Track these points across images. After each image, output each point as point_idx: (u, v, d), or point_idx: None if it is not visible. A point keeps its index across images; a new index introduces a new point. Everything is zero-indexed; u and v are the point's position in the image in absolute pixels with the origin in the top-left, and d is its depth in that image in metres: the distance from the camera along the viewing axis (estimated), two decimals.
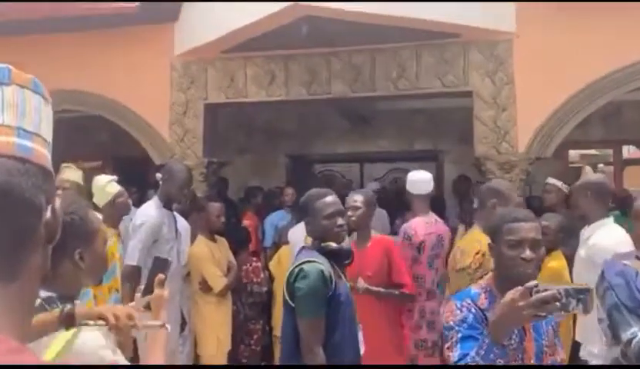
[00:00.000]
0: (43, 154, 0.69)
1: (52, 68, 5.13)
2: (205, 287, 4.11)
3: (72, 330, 1.42)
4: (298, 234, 4.28)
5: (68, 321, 1.43)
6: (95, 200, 3.73)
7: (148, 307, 1.64)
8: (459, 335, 1.76)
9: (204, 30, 4.81)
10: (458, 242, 2.92)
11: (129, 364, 1.55)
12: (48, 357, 1.34)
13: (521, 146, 4.56)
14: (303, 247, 2.62)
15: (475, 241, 2.77)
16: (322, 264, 2.38)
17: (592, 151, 7.81)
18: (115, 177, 3.85)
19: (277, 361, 4.57)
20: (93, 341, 1.45)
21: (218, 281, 4.11)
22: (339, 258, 2.53)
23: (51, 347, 1.38)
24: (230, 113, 5.95)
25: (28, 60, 5.02)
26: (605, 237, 2.83)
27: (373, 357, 2.83)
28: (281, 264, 4.54)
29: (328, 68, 4.97)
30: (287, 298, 2.41)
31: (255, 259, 4.72)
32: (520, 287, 1.54)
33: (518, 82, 4.56)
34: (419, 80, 4.80)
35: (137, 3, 4.76)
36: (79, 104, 5.43)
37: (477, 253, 2.71)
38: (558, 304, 1.52)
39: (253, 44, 4.80)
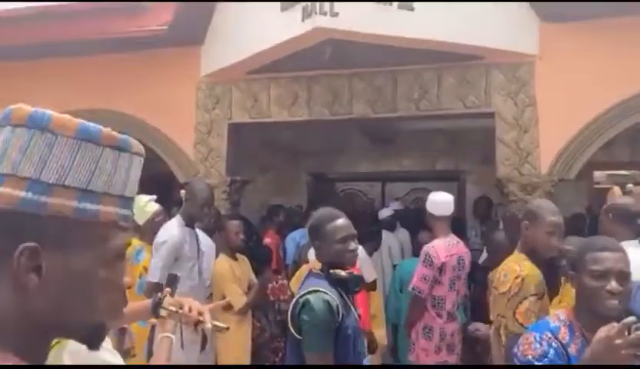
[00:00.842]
0: (12, 195, 0.67)
1: (82, 89, 5.32)
2: (226, 305, 4.15)
3: None
4: None
5: (158, 308, 1.55)
6: (135, 218, 3.90)
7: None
8: None
9: (229, 52, 4.93)
10: (503, 264, 2.82)
11: (127, 365, 1.60)
12: None
13: (543, 167, 4.54)
14: (310, 272, 2.46)
15: (515, 264, 2.67)
16: (329, 294, 2.24)
17: (620, 171, 7.69)
18: (154, 197, 4.01)
19: None
20: None
21: (239, 299, 4.15)
22: (348, 286, 2.37)
23: None
24: (253, 132, 6.04)
25: (58, 81, 5.25)
26: None
27: None
28: (301, 281, 4.56)
29: (350, 89, 5.03)
30: (292, 330, 2.28)
31: (280, 277, 4.76)
32: (616, 324, 1.40)
33: (540, 104, 4.55)
34: (441, 101, 4.83)
35: (165, 27, 4.90)
36: (107, 124, 5.55)
37: (516, 277, 2.58)
38: None
39: (277, 65, 4.90)
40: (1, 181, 0.68)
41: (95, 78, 5.43)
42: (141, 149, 0.79)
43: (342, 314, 2.24)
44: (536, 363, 1.64)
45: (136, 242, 3.90)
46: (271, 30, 4.44)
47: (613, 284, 1.65)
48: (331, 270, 2.33)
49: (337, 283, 2.32)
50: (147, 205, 3.95)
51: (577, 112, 4.44)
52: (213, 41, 5.18)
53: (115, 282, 0.75)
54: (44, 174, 0.68)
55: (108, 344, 1.56)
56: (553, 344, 1.67)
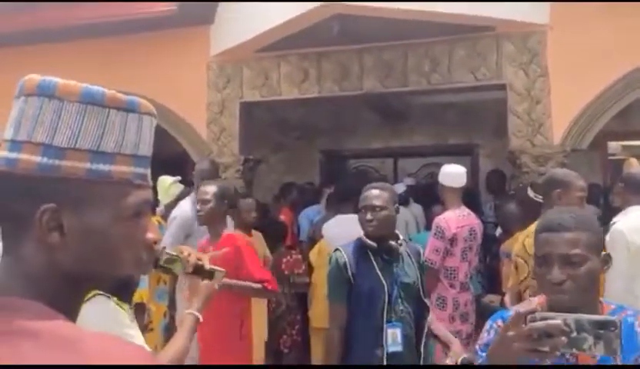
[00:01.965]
0: (29, 161, 0.71)
1: (93, 71, 5.35)
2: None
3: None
4: (332, 228, 4.37)
5: (157, 259, 1.64)
6: (159, 197, 4.00)
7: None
8: (480, 361, 1.46)
9: (238, 31, 4.94)
10: (527, 232, 2.93)
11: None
12: None
13: (556, 138, 4.52)
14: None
15: None
16: (343, 253, 2.56)
17: (636, 142, 7.59)
18: (178, 178, 4.09)
19: (313, 353, 4.67)
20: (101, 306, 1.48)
21: None
22: (378, 253, 2.57)
23: None
24: (265, 111, 6.07)
25: (69, 64, 5.30)
26: (625, 221, 2.87)
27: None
28: (321, 254, 4.61)
29: (360, 65, 5.02)
30: None
31: (294, 252, 4.85)
32: (515, 312, 1.22)
33: (552, 74, 4.51)
34: (452, 74, 4.81)
35: (174, 7, 4.92)
36: None
37: None
38: (564, 338, 1.15)
39: (286, 43, 4.90)
40: (19, 149, 0.72)
41: (106, 59, 5.47)
42: (151, 109, 0.81)
43: (352, 272, 2.51)
44: (480, 352, 1.49)
45: (155, 220, 3.98)
46: (279, 7, 4.44)
47: (554, 273, 1.37)
48: (363, 237, 2.61)
49: (367, 247, 2.57)
50: (171, 187, 4.05)
51: (589, 81, 4.40)
52: (222, 20, 5.18)
53: (137, 238, 0.79)
54: (56, 139, 0.72)
55: (129, 320, 1.61)
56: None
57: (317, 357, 4.62)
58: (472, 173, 6.67)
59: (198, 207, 3.23)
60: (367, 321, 2.49)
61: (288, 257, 4.66)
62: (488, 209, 6.11)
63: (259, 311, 4.33)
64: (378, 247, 2.56)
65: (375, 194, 2.60)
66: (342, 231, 4.09)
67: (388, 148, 7.81)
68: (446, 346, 2.63)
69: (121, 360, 0.65)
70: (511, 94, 4.63)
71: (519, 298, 3.03)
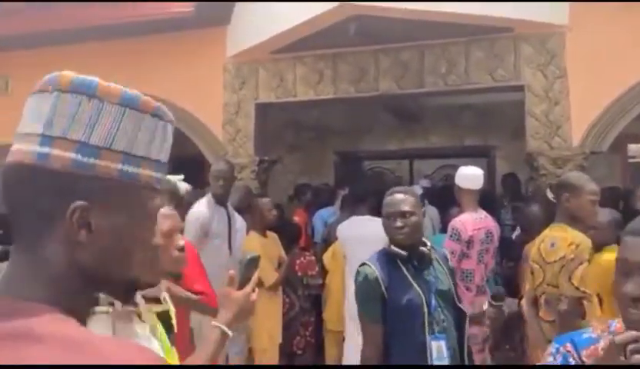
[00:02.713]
0: (64, 157, 0.71)
1: (110, 72, 5.37)
2: (257, 281, 4.23)
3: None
4: (347, 230, 4.35)
5: None
6: None
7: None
8: None
9: (254, 32, 4.95)
10: (542, 237, 2.93)
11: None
12: None
13: (574, 140, 4.46)
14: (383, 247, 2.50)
15: (562, 232, 2.80)
16: (370, 267, 2.33)
17: None
18: (181, 177, 4.11)
19: (327, 355, 4.66)
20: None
21: (270, 276, 4.23)
22: (409, 262, 2.37)
23: None
24: (280, 112, 6.07)
25: (87, 65, 5.34)
26: None
27: None
28: (335, 257, 4.61)
29: (376, 66, 5.00)
30: None
31: (308, 253, 4.84)
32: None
33: (571, 75, 4.45)
34: (469, 75, 4.77)
35: (191, 8, 4.95)
36: None
37: (570, 244, 2.70)
38: None
39: (302, 44, 4.90)
40: (51, 144, 0.72)
41: (122, 60, 5.50)
42: (171, 117, 0.84)
43: (385, 287, 2.29)
44: None
45: None
46: (295, 8, 4.43)
47: (629, 287, 1.14)
48: (390, 246, 2.40)
49: (396, 257, 2.36)
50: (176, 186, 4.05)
51: (609, 83, 4.33)
52: (239, 21, 5.20)
53: (151, 241, 0.80)
54: (92, 138, 0.73)
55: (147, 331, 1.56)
56: (570, 359, 1.27)
57: (331, 358, 4.61)
58: (489, 175, 6.61)
59: None
60: (407, 337, 2.27)
61: (302, 259, 4.66)
62: (504, 212, 6.06)
63: (273, 313, 4.33)
64: (409, 255, 2.35)
65: (400, 198, 2.39)
66: (357, 232, 4.07)
67: (404, 150, 7.78)
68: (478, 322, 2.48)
69: (130, 363, 0.64)
70: (529, 96, 4.58)
71: (535, 303, 3.00)
